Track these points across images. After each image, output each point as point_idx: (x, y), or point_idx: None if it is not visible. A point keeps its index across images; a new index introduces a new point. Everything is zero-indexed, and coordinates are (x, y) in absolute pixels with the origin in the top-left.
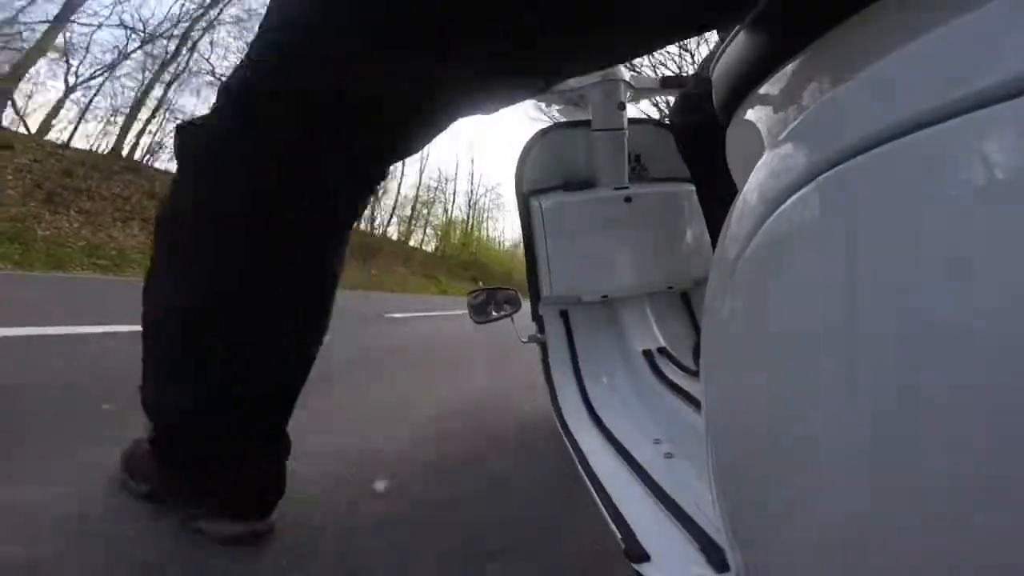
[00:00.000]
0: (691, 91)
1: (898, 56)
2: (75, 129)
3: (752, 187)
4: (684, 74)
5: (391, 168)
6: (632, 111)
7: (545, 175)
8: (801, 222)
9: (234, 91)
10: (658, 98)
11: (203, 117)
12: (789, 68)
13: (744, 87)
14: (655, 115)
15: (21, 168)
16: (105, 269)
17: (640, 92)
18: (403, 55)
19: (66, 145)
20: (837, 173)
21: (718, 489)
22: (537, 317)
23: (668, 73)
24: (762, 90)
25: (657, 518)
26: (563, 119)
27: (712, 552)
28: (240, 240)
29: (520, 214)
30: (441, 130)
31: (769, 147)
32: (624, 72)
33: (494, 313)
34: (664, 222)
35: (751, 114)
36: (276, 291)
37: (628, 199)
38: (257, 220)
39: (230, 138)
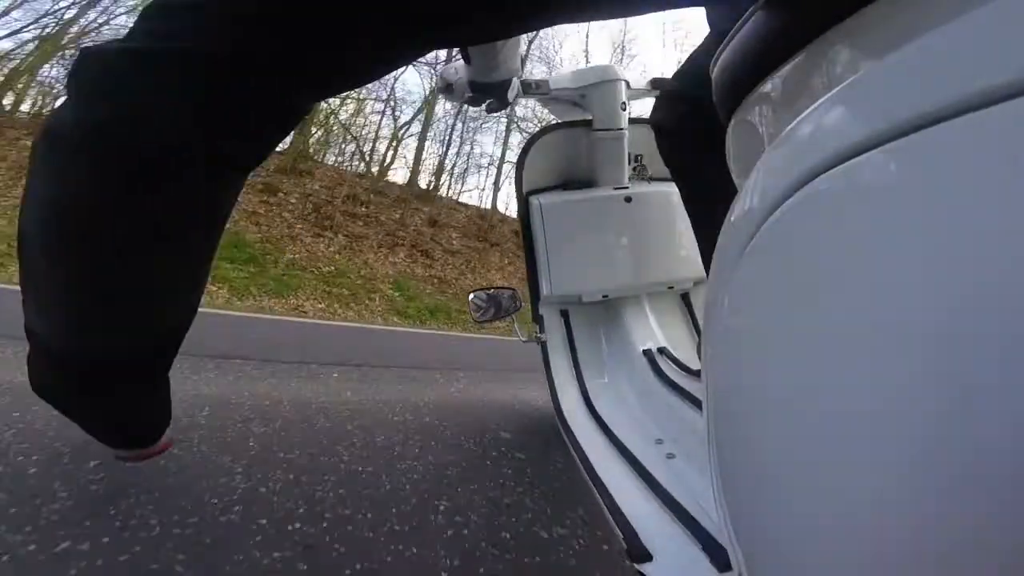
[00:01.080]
0: (670, 89)
1: (898, 56)
2: (390, 163)
3: (752, 187)
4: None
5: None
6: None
7: (545, 175)
8: (801, 221)
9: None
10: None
11: (113, 41)
12: (789, 68)
13: (744, 87)
14: None
15: (309, 193)
16: (338, 299)
17: (637, 93)
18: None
19: (365, 173)
20: (837, 173)
21: (720, 489)
22: (537, 317)
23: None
24: (762, 90)
25: (659, 518)
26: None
27: (714, 552)
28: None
29: (520, 214)
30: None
31: (769, 147)
32: (625, 72)
33: (494, 313)
34: (664, 222)
35: (751, 114)
36: (164, 232)
37: (628, 199)
38: (146, 152)
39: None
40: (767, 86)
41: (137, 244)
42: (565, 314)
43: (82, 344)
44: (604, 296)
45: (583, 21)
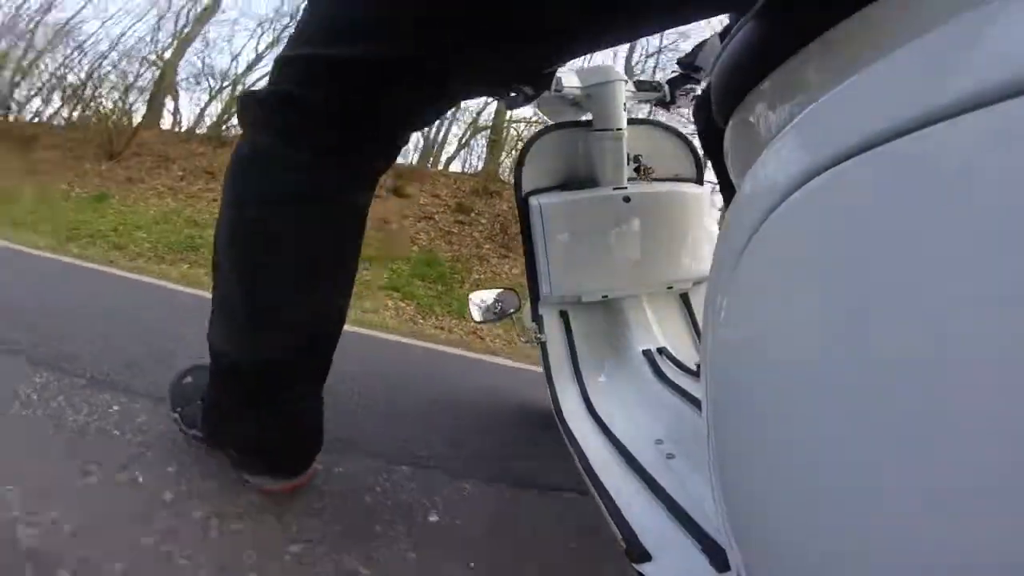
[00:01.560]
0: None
1: (898, 56)
2: None
3: (751, 186)
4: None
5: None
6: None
7: (545, 175)
8: (800, 221)
9: (283, 60)
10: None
11: (263, 88)
12: (788, 68)
13: (743, 87)
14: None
15: (498, 214)
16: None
17: (638, 94)
18: (438, 36)
19: None
20: (836, 172)
21: (719, 489)
22: (537, 317)
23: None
24: (762, 90)
25: (659, 518)
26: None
27: (714, 552)
28: (276, 204)
29: (519, 213)
30: (452, 106)
31: (768, 147)
32: (624, 72)
33: (494, 313)
34: (664, 222)
35: (751, 114)
36: (310, 251)
37: (627, 199)
38: (292, 186)
39: (279, 107)
40: (766, 87)
41: (304, 250)
42: (565, 314)
43: (252, 350)
44: (604, 296)
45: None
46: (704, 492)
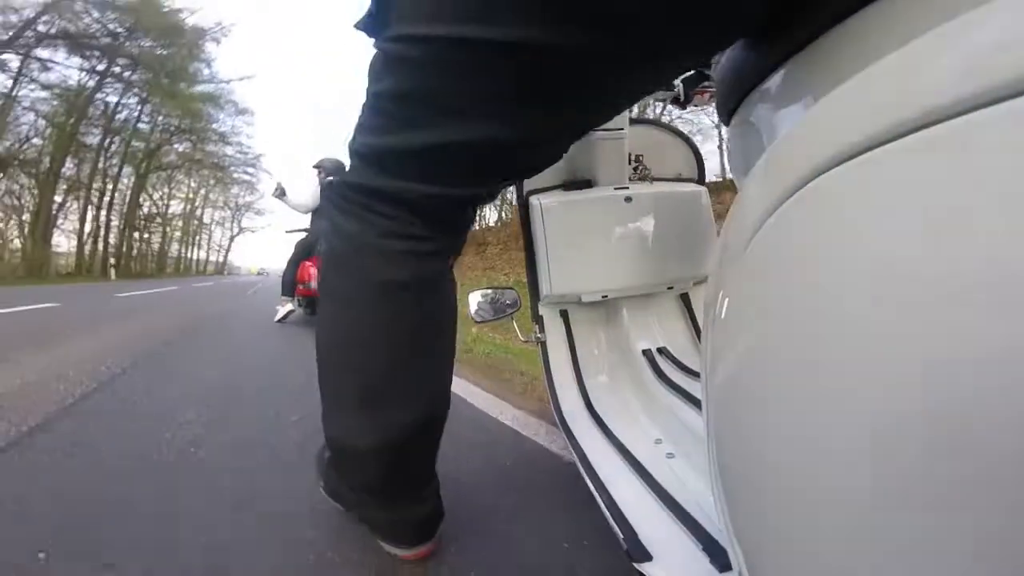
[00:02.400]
0: None
1: (897, 57)
2: None
3: (752, 187)
4: None
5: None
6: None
7: (545, 175)
8: (801, 221)
9: (358, 152)
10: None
11: (346, 173)
12: (789, 68)
13: (744, 87)
14: None
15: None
16: None
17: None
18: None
19: None
20: (837, 173)
21: (720, 488)
22: (537, 317)
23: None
24: (762, 90)
25: (659, 518)
26: None
27: (714, 551)
28: (371, 287)
29: (520, 214)
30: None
31: (769, 147)
32: None
33: (494, 313)
34: (664, 222)
35: (751, 114)
36: (413, 334)
37: (628, 199)
38: (382, 269)
39: (360, 193)
40: (767, 87)
41: (406, 333)
42: (565, 314)
43: (367, 434)
44: (604, 296)
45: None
46: (704, 491)
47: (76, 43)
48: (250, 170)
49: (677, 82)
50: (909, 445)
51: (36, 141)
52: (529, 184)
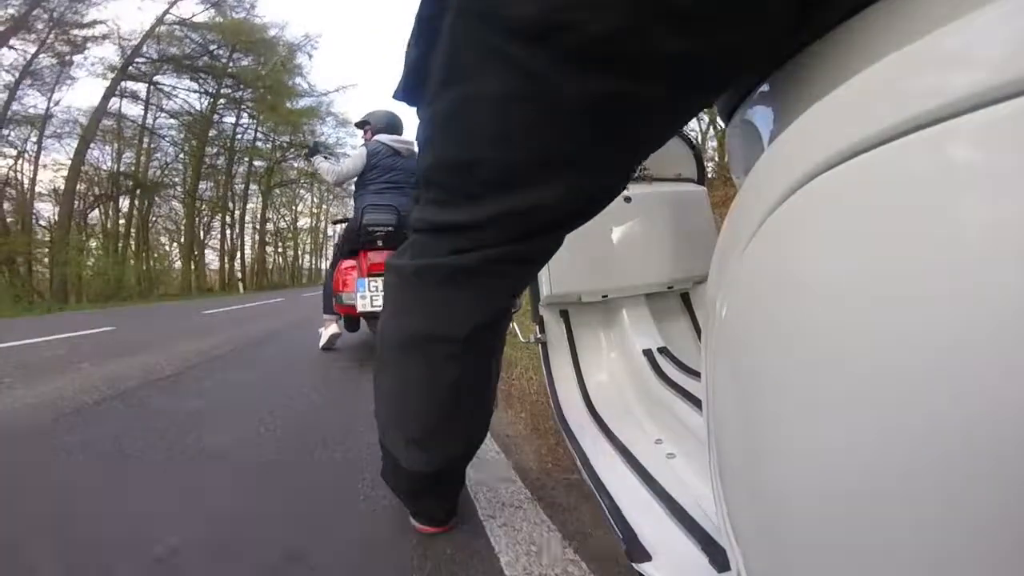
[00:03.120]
0: None
1: (897, 57)
2: None
3: (752, 186)
4: None
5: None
6: None
7: None
8: (800, 221)
9: (417, 230)
10: None
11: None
12: (789, 68)
13: (744, 87)
14: None
15: None
16: None
17: None
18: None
19: None
20: (836, 173)
21: (720, 489)
22: (537, 317)
23: None
24: (762, 90)
25: (659, 518)
26: None
27: (714, 551)
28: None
29: None
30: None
31: (769, 147)
32: None
33: None
34: (664, 222)
35: (751, 114)
36: (469, 386)
37: (628, 199)
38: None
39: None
40: (767, 87)
41: (468, 387)
42: (565, 314)
43: (423, 461)
44: (604, 296)
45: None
46: (704, 492)
47: (181, 65)
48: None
49: None
50: (908, 445)
51: (176, 167)
52: None
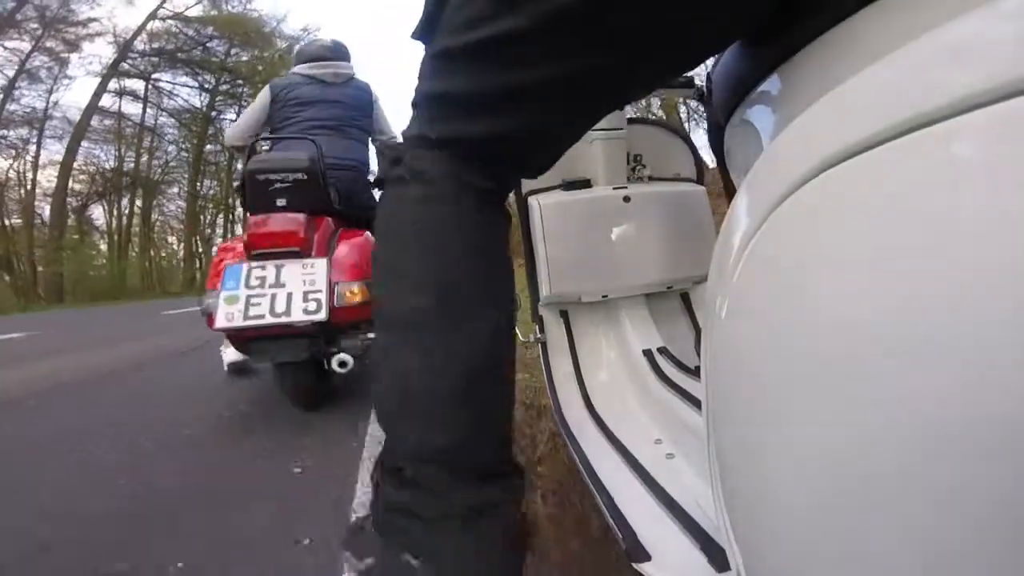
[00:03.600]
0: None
1: (896, 57)
2: None
3: (751, 186)
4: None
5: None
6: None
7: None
8: (800, 221)
9: (408, 138)
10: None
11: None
12: (788, 69)
13: (743, 87)
14: None
15: None
16: None
17: (670, 91)
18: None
19: None
20: (836, 173)
21: (719, 489)
22: (537, 317)
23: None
24: (761, 90)
25: (658, 518)
26: None
27: (713, 551)
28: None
29: (519, 213)
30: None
31: (768, 147)
32: None
33: None
34: (664, 222)
35: (750, 114)
36: (469, 310)
37: (627, 199)
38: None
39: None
40: (766, 87)
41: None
42: (565, 314)
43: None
44: (604, 296)
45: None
46: (704, 492)
47: (175, 60)
48: None
49: (700, 80)
50: (909, 445)
51: (177, 165)
52: (528, 184)
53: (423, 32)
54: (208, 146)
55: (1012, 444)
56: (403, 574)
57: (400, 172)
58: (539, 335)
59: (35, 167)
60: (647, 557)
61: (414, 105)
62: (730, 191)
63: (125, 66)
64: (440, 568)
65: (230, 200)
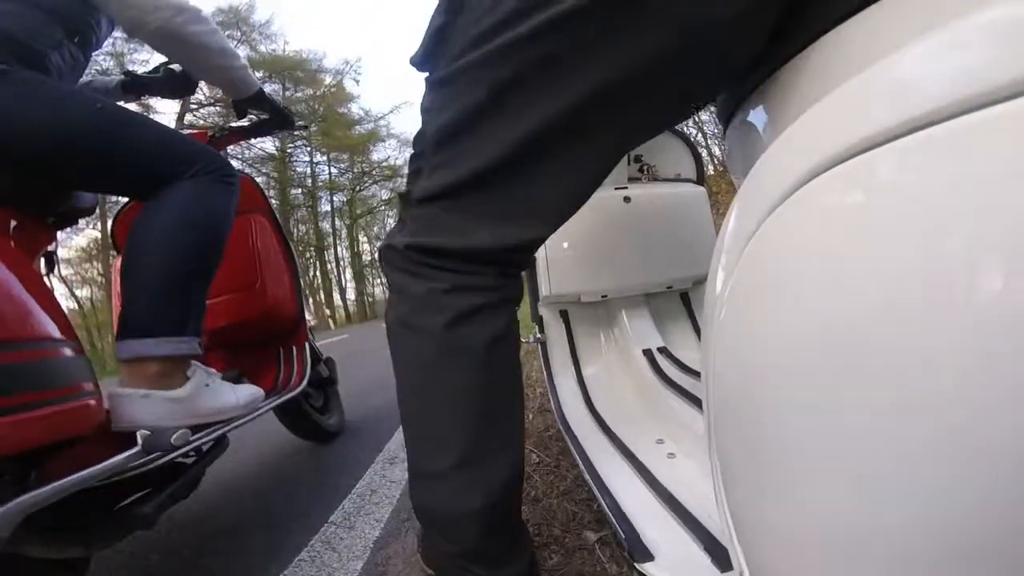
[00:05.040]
0: None
1: (894, 59)
2: None
3: (751, 187)
4: None
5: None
6: None
7: None
8: (800, 221)
9: (418, 201)
10: None
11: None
12: (789, 68)
13: (744, 89)
14: None
15: None
16: None
17: None
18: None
19: None
20: (835, 173)
21: (721, 488)
22: (537, 317)
23: None
24: (762, 90)
25: (661, 518)
26: None
27: (716, 551)
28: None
29: None
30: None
31: (768, 147)
32: None
33: None
34: (664, 222)
35: (751, 114)
36: (498, 384)
37: (627, 199)
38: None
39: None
40: (766, 87)
41: (497, 386)
42: (565, 314)
43: (477, 498)
44: (604, 296)
45: None
46: (705, 491)
47: (229, 105)
48: None
49: None
50: (909, 443)
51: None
52: None
53: (431, 55)
54: (294, 189)
55: (1012, 444)
56: None
57: (404, 313)
58: (539, 335)
59: (103, 227)
60: (650, 557)
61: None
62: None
63: (191, 118)
64: None
65: (319, 240)
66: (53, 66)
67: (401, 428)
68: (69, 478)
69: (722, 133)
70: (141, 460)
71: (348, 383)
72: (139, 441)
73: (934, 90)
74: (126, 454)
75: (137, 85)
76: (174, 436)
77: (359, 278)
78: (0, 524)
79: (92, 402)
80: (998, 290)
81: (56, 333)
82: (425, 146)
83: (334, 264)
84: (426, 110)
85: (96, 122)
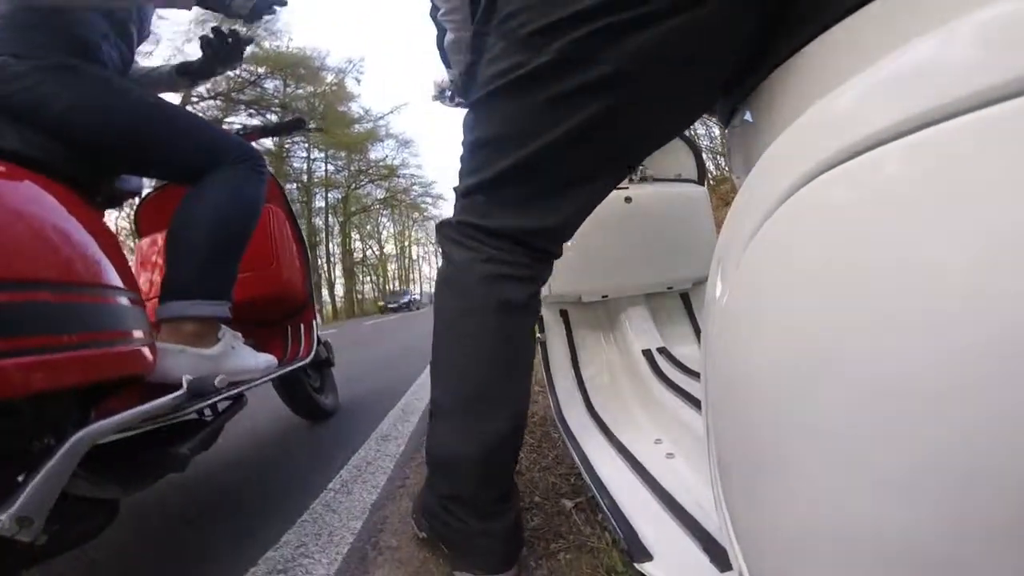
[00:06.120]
0: None
1: (895, 58)
2: None
3: (752, 187)
4: None
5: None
6: None
7: None
8: (801, 221)
9: (462, 193)
10: None
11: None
12: (788, 69)
13: (744, 88)
14: None
15: None
16: None
17: None
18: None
19: None
20: (835, 173)
21: (719, 488)
22: (537, 317)
23: None
24: (762, 90)
25: (659, 517)
26: None
27: (714, 551)
28: (473, 316)
29: None
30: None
31: (769, 148)
32: None
33: None
34: (664, 222)
35: (751, 114)
36: (513, 349)
37: (628, 199)
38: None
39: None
40: (766, 87)
41: (501, 349)
42: (565, 314)
43: (462, 442)
44: (604, 296)
45: None
46: (704, 491)
47: (230, 100)
48: (428, 200)
49: None
50: (908, 444)
51: None
52: None
53: (466, 85)
54: (288, 184)
55: (1012, 446)
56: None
57: (448, 272)
58: (539, 335)
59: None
60: (649, 557)
61: (459, 195)
62: None
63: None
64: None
65: (312, 238)
66: (105, 57)
67: (394, 408)
68: (123, 413)
69: (722, 133)
70: (187, 402)
71: (342, 369)
72: (184, 385)
73: (932, 90)
74: (173, 395)
75: (190, 71)
76: (217, 379)
77: (349, 275)
78: (73, 451)
79: (146, 348)
80: (998, 290)
81: (119, 282)
82: (464, 153)
83: (325, 260)
84: (465, 126)
85: (152, 116)
